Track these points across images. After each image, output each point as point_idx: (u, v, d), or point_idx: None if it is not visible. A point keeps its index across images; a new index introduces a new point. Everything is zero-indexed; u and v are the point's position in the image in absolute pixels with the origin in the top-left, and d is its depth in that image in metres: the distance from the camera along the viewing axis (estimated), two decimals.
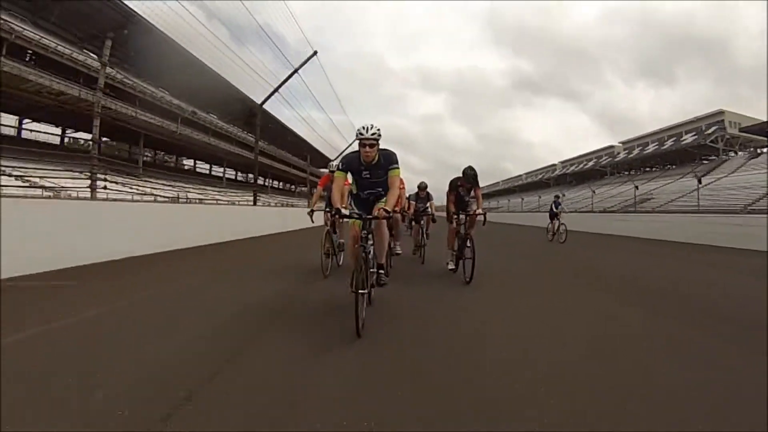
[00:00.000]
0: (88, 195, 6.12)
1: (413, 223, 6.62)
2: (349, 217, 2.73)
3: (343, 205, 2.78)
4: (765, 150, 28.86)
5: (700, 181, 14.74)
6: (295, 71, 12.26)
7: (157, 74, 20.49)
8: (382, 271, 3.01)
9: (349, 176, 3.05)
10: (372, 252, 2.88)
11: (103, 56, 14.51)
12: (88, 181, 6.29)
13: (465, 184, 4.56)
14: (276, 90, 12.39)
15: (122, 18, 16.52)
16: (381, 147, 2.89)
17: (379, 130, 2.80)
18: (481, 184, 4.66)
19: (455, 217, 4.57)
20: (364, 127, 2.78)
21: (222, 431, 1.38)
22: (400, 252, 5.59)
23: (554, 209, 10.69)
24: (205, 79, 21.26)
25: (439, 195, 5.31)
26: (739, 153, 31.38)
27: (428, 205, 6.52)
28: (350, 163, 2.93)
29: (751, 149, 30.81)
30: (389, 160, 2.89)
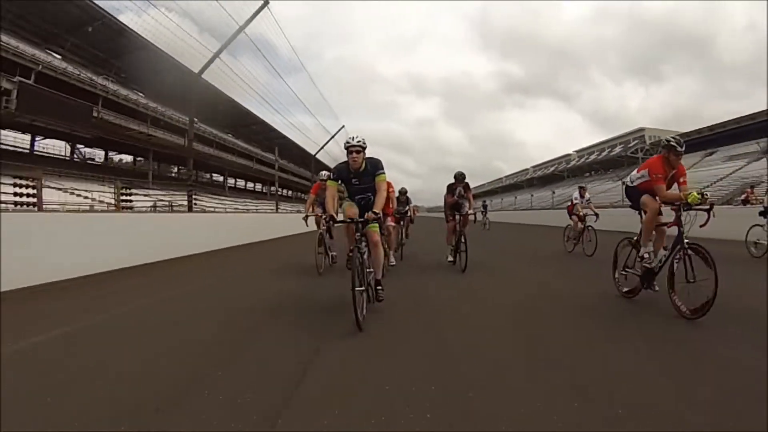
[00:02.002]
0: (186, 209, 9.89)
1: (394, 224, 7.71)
2: (343, 222, 3.12)
3: (337, 212, 3.12)
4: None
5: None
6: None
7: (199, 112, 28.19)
8: (380, 288, 3.26)
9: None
10: (367, 259, 3.09)
11: (190, 118, 22.32)
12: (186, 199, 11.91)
13: (459, 186, 5.51)
14: (322, 147, 14.46)
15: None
16: (367, 156, 3.22)
17: (363, 139, 3.15)
18: (472, 185, 5.74)
19: (452, 217, 5.50)
20: (350, 137, 3.17)
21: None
22: (394, 263, 5.87)
23: (483, 210, 19.66)
24: (232, 109, 27.58)
25: (426, 197, 6.68)
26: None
27: (408, 208, 7.61)
28: (340, 172, 3.28)
29: None
30: (376, 167, 3.23)
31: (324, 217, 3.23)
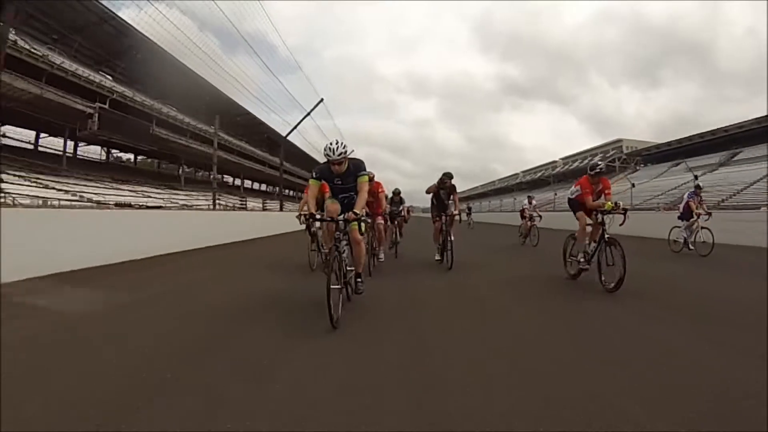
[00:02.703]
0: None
1: (388, 223, 7.61)
2: (323, 220, 3.17)
3: (318, 211, 3.17)
4: (641, 167, 42.28)
5: (555, 194, 27.61)
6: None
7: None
8: (360, 280, 3.39)
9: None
10: (348, 256, 3.21)
11: (281, 160, 25.52)
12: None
13: (445, 189, 5.82)
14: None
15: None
16: (350, 156, 3.25)
17: (345, 148, 3.12)
18: (469, 186, 9.32)
19: (438, 218, 5.86)
20: (330, 149, 3.09)
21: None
22: (382, 258, 6.09)
23: (468, 211, 23.28)
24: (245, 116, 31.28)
25: (424, 197, 6.36)
26: (625, 170, 44.69)
27: (401, 208, 7.94)
28: (323, 172, 3.29)
29: (637, 167, 44.19)
30: (358, 168, 3.27)
31: (305, 215, 3.17)
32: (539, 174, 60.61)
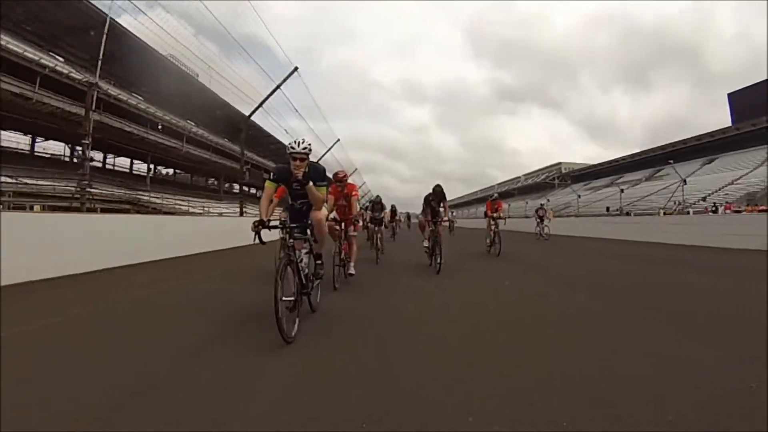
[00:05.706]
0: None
1: (368, 228, 9.28)
2: (273, 227, 2.94)
3: (269, 217, 3.08)
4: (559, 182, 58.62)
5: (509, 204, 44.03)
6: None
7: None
8: (319, 262, 3.37)
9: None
10: (307, 264, 3.18)
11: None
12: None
13: (435, 198, 6.59)
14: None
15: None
16: (312, 160, 3.16)
17: (309, 145, 3.03)
18: (466, 191, 16.59)
19: (429, 223, 6.72)
20: (295, 142, 2.99)
21: None
22: (353, 273, 5.53)
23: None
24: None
25: (420, 203, 7.01)
26: (558, 187, 61.11)
27: (383, 214, 9.13)
28: (281, 173, 3.17)
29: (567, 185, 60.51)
30: (317, 174, 3.13)
31: (254, 222, 2.85)
32: (506, 187, 76.92)
